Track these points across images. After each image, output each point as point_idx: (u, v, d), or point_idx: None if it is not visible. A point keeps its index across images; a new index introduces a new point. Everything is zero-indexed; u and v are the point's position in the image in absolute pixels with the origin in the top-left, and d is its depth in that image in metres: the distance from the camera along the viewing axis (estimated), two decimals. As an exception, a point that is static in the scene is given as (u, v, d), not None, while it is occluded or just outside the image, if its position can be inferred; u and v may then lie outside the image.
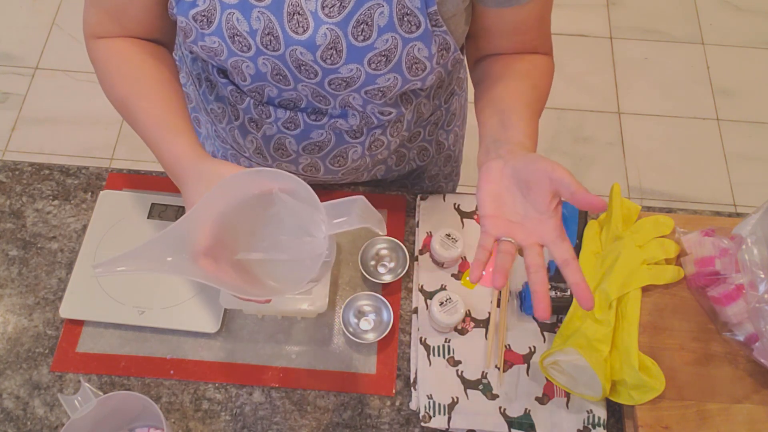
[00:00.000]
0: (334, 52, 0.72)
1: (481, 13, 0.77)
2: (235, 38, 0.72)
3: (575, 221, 0.94)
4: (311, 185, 0.61)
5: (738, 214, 0.98)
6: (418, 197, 0.99)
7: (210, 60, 0.78)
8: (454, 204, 0.98)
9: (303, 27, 0.70)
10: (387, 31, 0.70)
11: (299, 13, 0.69)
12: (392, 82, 0.76)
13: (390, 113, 0.85)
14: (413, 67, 0.74)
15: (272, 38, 0.71)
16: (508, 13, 0.76)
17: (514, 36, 0.80)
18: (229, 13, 0.70)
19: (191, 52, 0.90)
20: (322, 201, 0.60)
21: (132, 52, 0.78)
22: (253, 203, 0.64)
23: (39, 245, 0.94)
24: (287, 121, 0.85)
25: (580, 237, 0.92)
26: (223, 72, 0.84)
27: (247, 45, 0.72)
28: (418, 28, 0.71)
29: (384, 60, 0.73)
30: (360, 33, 0.70)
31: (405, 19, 0.70)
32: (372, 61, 0.73)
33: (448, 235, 0.91)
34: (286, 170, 0.93)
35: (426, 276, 0.92)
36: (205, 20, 0.71)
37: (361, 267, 0.92)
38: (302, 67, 0.74)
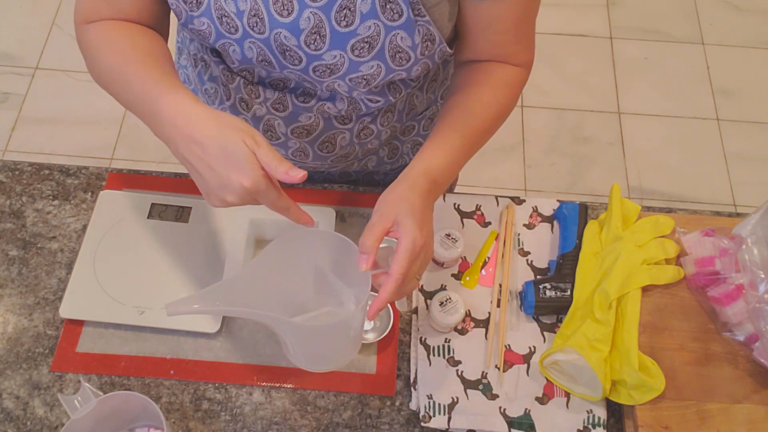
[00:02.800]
0: (318, 36, 0.73)
1: (461, 7, 0.77)
2: (223, 19, 0.74)
3: (575, 221, 0.94)
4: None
5: (738, 214, 0.98)
6: (418, 197, 0.99)
7: (202, 43, 0.80)
8: (454, 204, 0.98)
9: (288, 10, 0.72)
10: (369, 18, 0.71)
11: None
12: (375, 70, 0.77)
13: (378, 101, 0.85)
14: (396, 56, 0.75)
15: (258, 20, 0.73)
16: (485, 6, 0.76)
17: (490, 35, 0.79)
18: None
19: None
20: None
21: (124, 27, 0.78)
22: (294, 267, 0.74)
23: (39, 245, 0.94)
24: (276, 102, 0.86)
25: (580, 237, 0.92)
26: (216, 51, 0.85)
27: (234, 26, 0.74)
28: (400, 16, 0.72)
29: (367, 47, 0.74)
30: (343, 18, 0.71)
31: (387, 6, 0.71)
32: (355, 48, 0.74)
33: (448, 235, 0.91)
34: None
35: (426, 276, 0.92)
36: (195, 2, 0.73)
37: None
38: (287, 53, 0.76)
